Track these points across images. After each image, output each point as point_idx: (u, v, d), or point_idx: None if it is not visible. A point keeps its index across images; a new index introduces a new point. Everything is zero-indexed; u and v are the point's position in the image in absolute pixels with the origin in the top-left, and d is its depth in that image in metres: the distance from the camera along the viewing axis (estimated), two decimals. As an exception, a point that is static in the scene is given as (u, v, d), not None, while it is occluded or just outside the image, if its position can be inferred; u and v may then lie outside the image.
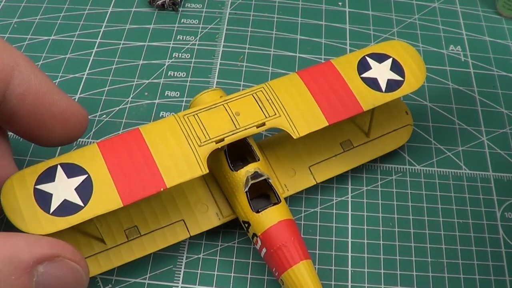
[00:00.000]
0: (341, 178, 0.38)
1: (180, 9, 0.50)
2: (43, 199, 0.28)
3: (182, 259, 0.35)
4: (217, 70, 0.45)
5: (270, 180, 0.32)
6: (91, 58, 0.46)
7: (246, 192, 0.32)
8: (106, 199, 0.29)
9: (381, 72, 0.35)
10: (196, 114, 0.32)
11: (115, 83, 0.44)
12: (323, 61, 0.46)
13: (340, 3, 0.51)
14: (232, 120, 0.32)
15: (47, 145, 0.31)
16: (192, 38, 0.48)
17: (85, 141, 0.40)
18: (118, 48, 0.46)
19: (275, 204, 0.32)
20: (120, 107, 0.42)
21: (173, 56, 0.46)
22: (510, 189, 0.38)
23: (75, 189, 0.29)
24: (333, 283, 0.34)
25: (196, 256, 0.35)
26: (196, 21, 0.49)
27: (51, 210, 0.28)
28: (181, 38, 0.47)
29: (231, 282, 0.34)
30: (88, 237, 0.33)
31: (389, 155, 0.39)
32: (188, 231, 0.34)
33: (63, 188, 0.28)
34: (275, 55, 0.46)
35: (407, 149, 0.40)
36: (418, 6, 0.51)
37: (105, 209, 0.28)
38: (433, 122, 0.42)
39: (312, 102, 0.33)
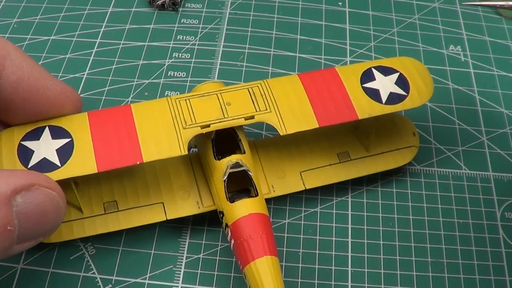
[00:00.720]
0: (341, 178, 0.38)
1: (180, 9, 0.50)
2: (25, 154, 0.30)
3: (182, 259, 0.35)
4: (217, 70, 0.45)
5: (250, 173, 0.32)
6: (91, 58, 0.46)
7: (224, 180, 0.32)
8: (82, 163, 0.30)
9: (385, 84, 0.34)
10: (188, 99, 0.33)
11: (115, 83, 0.44)
12: (323, 61, 0.46)
13: (340, 3, 0.51)
14: (222, 109, 0.32)
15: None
16: (192, 38, 0.48)
17: (85, 141, 0.40)
18: (118, 48, 0.46)
19: (251, 197, 0.32)
20: (120, 107, 0.42)
21: (173, 56, 0.46)
22: (510, 189, 0.38)
23: (56, 150, 0.30)
24: (333, 283, 0.34)
25: (196, 256, 0.35)
26: (196, 21, 0.49)
27: (29, 165, 0.29)
28: (181, 38, 0.47)
29: (231, 282, 0.34)
30: (67, 205, 0.33)
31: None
32: (166, 214, 0.34)
33: (45, 147, 0.30)
34: (275, 55, 0.46)
35: (407, 149, 0.40)
36: (418, 6, 0.51)
37: (80, 172, 0.29)
38: (433, 122, 0.42)
39: (306, 103, 0.33)
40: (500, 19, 0.50)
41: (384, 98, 0.34)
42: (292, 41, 0.48)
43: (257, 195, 0.32)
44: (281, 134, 0.32)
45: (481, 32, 0.49)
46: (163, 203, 0.35)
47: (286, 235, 0.36)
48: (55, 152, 0.30)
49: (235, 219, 0.31)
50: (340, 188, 0.38)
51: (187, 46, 0.47)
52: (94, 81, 0.44)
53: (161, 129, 0.31)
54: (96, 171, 0.30)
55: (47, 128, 0.31)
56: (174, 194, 0.35)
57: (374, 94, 0.34)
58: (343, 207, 0.37)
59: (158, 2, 0.49)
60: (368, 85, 0.34)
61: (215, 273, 0.34)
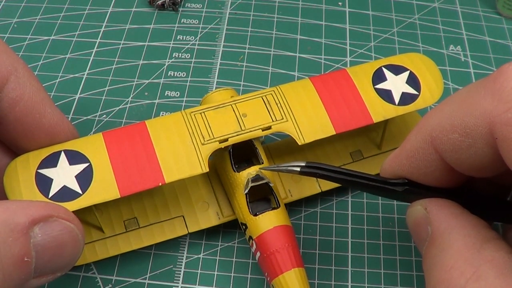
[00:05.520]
0: (341, 178, 0.38)
1: (180, 9, 0.50)
2: (44, 183, 0.29)
3: (182, 259, 0.35)
4: (217, 70, 0.45)
5: (271, 184, 0.32)
6: (91, 58, 0.46)
7: (245, 194, 0.32)
8: (104, 188, 0.29)
9: (397, 84, 0.34)
10: (203, 112, 0.32)
11: (115, 83, 0.44)
12: (323, 61, 0.46)
13: (340, 3, 0.51)
14: (238, 121, 0.32)
15: None
16: (192, 38, 0.48)
17: (85, 141, 0.40)
18: (118, 48, 0.46)
19: (274, 208, 0.32)
20: (120, 107, 0.42)
21: (173, 56, 0.46)
22: (510, 189, 0.38)
23: (76, 176, 0.29)
24: (333, 283, 0.34)
25: (196, 256, 0.35)
26: (196, 21, 0.49)
27: (50, 195, 0.28)
28: (181, 38, 0.47)
29: (231, 282, 0.34)
30: (87, 225, 0.33)
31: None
32: (187, 227, 0.34)
33: (64, 174, 0.29)
34: (275, 55, 0.46)
35: (407, 149, 0.40)
36: (418, 6, 0.51)
37: (102, 199, 0.29)
38: (433, 122, 0.42)
39: (321, 109, 0.33)
40: (500, 19, 0.50)
41: (397, 99, 0.33)
42: (292, 41, 0.48)
43: (278, 205, 0.32)
44: (299, 143, 0.32)
45: (481, 32, 0.49)
46: (183, 216, 0.34)
47: (286, 235, 0.36)
48: (74, 179, 0.29)
49: (260, 232, 0.31)
50: (340, 188, 0.38)
51: (187, 46, 0.47)
52: (94, 81, 0.44)
53: (179, 147, 0.31)
54: (119, 196, 0.29)
55: (62, 153, 0.30)
56: (193, 206, 0.35)
57: (387, 96, 0.34)
58: (343, 207, 0.37)
59: (158, 2, 0.49)
60: (380, 86, 0.34)
61: (215, 273, 0.34)
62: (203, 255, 0.35)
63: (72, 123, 0.41)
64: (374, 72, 0.34)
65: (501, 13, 0.50)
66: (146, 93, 0.43)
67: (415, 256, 0.35)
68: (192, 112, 0.32)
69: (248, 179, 0.32)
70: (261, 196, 0.33)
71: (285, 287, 0.29)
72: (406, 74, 0.35)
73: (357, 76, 0.34)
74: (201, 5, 0.50)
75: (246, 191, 0.32)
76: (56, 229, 0.24)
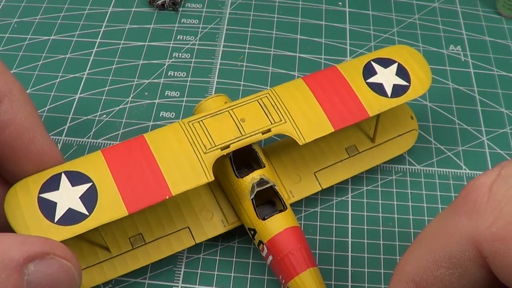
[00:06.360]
0: (341, 178, 0.38)
1: (180, 9, 0.50)
2: (48, 208, 0.28)
3: (182, 259, 0.35)
4: (217, 70, 0.45)
5: (276, 187, 0.32)
6: (91, 58, 0.46)
7: (252, 199, 0.32)
8: (111, 207, 0.28)
9: (387, 77, 0.34)
10: (201, 120, 0.32)
11: (115, 83, 0.44)
12: (323, 61, 0.46)
13: (340, 3, 0.51)
14: (238, 127, 0.32)
15: (12, 180, 0.30)
16: (192, 38, 0.48)
17: (85, 141, 0.40)
18: (118, 48, 0.46)
19: (281, 211, 0.32)
20: (120, 107, 0.42)
21: (173, 56, 0.46)
22: (510, 189, 0.38)
23: (80, 197, 0.28)
24: (333, 283, 0.34)
25: (196, 256, 0.35)
26: (196, 21, 0.49)
27: (56, 219, 0.27)
28: (181, 38, 0.47)
29: (231, 282, 0.34)
30: (93, 245, 0.32)
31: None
32: (194, 238, 0.34)
33: (67, 197, 0.28)
34: (275, 55, 0.46)
35: (407, 149, 0.40)
36: (418, 6, 0.51)
37: (110, 218, 0.28)
38: (433, 122, 0.42)
39: (317, 108, 0.33)
40: (500, 19, 0.50)
41: (389, 91, 0.34)
42: (292, 41, 0.48)
43: (285, 207, 0.32)
44: (300, 144, 0.32)
45: (481, 32, 0.49)
46: (188, 228, 0.34)
47: (286, 235, 0.36)
48: (79, 201, 0.28)
49: (270, 236, 0.31)
50: (340, 188, 0.38)
51: (187, 46, 0.47)
52: (94, 81, 0.44)
53: (182, 158, 0.30)
54: (127, 214, 0.28)
55: (63, 175, 0.29)
56: (197, 216, 0.34)
57: (379, 89, 0.34)
58: (343, 207, 0.37)
59: (158, 2, 0.49)
60: (371, 80, 0.34)
61: (215, 273, 0.34)
62: (203, 255, 0.35)
63: (72, 123, 0.41)
64: (364, 67, 0.35)
65: (501, 13, 0.50)
66: (146, 93, 0.43)
67: (415, 256, 0.35)
68: (190, 121, 0.32)
69: (253, 184, 0.32)
70: (265, 200, 0.33)
71: None
72: (394, 66, 0.35)
73: (348, 72, 0.34)
74: (201, 5, 0.50)
75: (252, 196, 0.32)
76: (52, 267, 0.24)
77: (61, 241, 0.26)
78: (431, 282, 0.22)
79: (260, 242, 0.31)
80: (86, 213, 0.28)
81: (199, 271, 0.34)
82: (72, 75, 0.44)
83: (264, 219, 0.31)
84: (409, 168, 0.39)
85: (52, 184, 0.28)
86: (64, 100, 0.43)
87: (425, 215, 0.37)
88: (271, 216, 0.31)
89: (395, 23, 0.49)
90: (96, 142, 0.40)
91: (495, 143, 0.41)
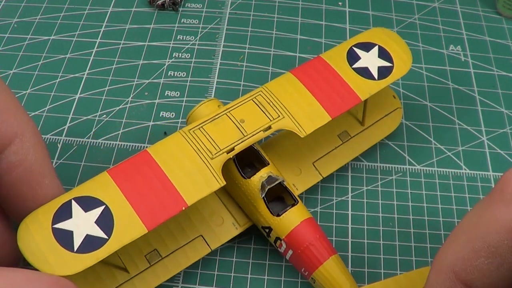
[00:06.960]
0: (341, 178, 0.38)
1: (180, 9, 0.50)
2: (64, 238, 0.27)
3: (182, 259, 0.35)
4: (217, 70, 0.45)
5: (284, 183, 0.32)
6: (91, 58, 0.46)
7: (263, 197, 0.32)
8: (129, 227, 0.27)
9: (371, 60, 0.35)
10: (202, 127, 0.32)
11: (115, 83, 0.44)
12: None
13: (340, 3, 0.51)
14: (239, 128, 0.32)
15: (17, 220, 0.28)
16: (192, 38, 0.48)
17: (85, 141, 0.40)
18: (118, 48, 0.46)
19: (293, 205, 0.32)
20: (120, 107, 0.42)
21: (173, 56, 0.46)
22: (510, 189, 0.38)
23: (96, 222, 0.27)
24: (333, 283, 0.34)
25: (196, 256, 0.35)
26: (196, 21, 0.49)
27: (75, 248, 0.26)
28: (181, 38, 0.47)
29: (231, 282, 0.34)
30: (110, 268, 0.32)
31: (389, 155, 0.39)
32: (209, 245, 0.33)
33: (83, 223, 0.27)
34: (275, 55, 0.46)
35: (407, 149, 0.40)
36: (418, 6, 0.51)
37: (131, 238, 0.27)
38: (433, 122, 0.42)
39: (311, 99, 0.33)
40: (500, 19, 0.50)
41: (375, 74, 0.35)
42: (292, 41, 0.48)
43: (296, 201, 0.32)
44: (301, 136, 0.32)
45: (481, 32, 0.49)
46: (202, 236, 0.33)
47: (286, 235, 0.36)
48: (95, 225, 0.27)
49: (288, 231, 0.31)
50: (340, 188, 0.38)
51: (187, 46, 0.47)
52: (94, 81, 0.44)
53: (191, 167, 0.30)
54: (146, 231, 0.27)
55: (73, 201, 0.28)
56: (208, 223, 0.34)
57: (365, 73, 0.35)
58: (343, 207, 0.37)
59: (158, 2, 0.49)
60: (356, 65, 0.35)
61: (215, 273, 0.34)
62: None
63: (72, 123, 0.41)
64: (347, 53, 0.36)
65: (501, 13, 0.50)
66: (146, 93, 0.43)
67: (415, 256, 0.35)
68: (190, 129, 0.32)
69: (263, 182, 0.32)
70: (274, 197, 0.34)
71: (328, 276, 0.30)
72: (376, 49, 0.36)
73: (333, 60, 0.35)
74: (201, 5, 0.50)
75: (263, 194, 0.32)
76: None
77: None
78: (471, 272, 0.22)
79: (277, 238, 0.32)
80: (105, 237, 0.27)
81: (199, 271, 0.34)
82: (72, 75, 0.44)
83: (278, 215, 0.32)
84: (409, 168, 0.39)
85: (64, 213, 0.27)
86: (64, 100, 0.43)
87: (425, 215, 0.37)
88: (285, 211, 0.32)
89: (395, 23, 0.49)
90: (96, 142, 0.40)
91: (495, 143, 0.41)
